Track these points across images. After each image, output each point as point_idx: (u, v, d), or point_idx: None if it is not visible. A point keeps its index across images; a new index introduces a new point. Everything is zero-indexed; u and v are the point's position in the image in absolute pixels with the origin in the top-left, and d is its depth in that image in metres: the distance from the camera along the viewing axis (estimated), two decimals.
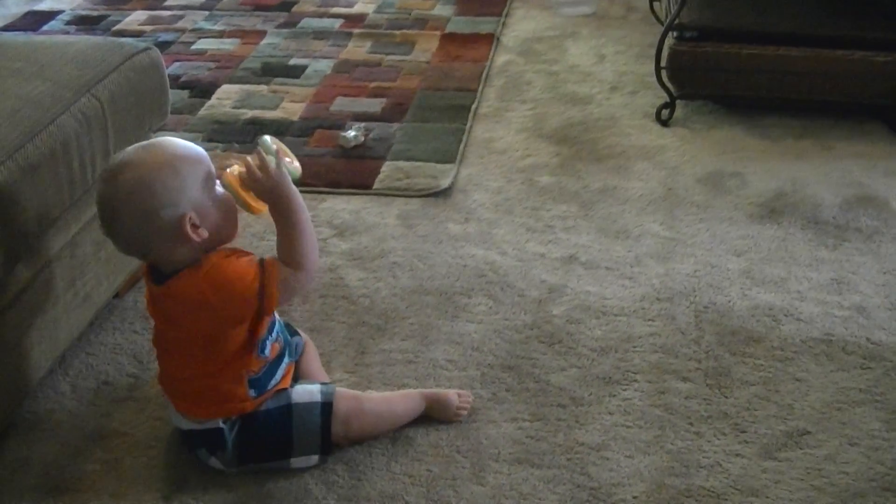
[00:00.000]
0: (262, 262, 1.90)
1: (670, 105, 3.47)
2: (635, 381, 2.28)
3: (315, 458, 2.05)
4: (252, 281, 1.87)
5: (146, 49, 2.43)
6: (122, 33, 4.35)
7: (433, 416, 2.16)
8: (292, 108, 3.62)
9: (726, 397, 2.23)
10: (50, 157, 2.02)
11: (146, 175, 1.83)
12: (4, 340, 2.02)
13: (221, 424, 2.00)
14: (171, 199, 1.83)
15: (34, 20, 4.57)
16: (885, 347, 2.38)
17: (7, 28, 4.47)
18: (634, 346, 2.39)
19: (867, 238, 2.81)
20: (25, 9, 4.73)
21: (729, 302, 2.54)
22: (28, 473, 2.06)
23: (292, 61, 4.06)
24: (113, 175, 1.85)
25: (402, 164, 3.22)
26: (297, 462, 2.04)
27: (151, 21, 4.53)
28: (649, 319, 2.49)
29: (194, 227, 1.86)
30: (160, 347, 2.04)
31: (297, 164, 2.02)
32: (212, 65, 4.03)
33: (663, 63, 3.44)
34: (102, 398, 2.26)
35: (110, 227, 1.87)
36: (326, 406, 2.05)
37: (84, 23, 4.52)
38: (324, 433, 2.04)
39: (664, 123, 3.47)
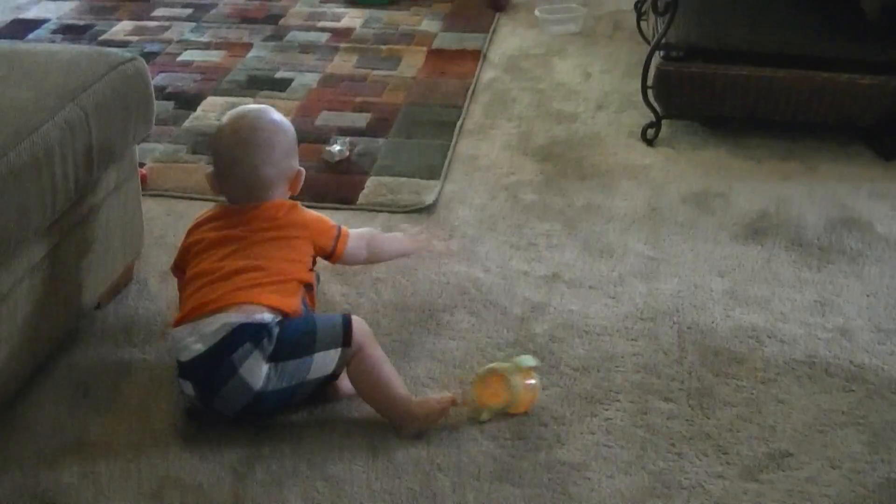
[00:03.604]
0: (339, 226, 2.38)
1: (656, 124, 3.47)
2: (617, 400, 2.27)
3: (338, 352, 2.14)
4: (331, 227, 2.35)
5: (132, 59, 2.42)
6: (108, 43, 4.33)
7: (425, 420, 2.19)
8: None
9: (708, 418, 2.23)
10: (32, 165, 2.00)
11: (289, 130, 2.38)
12: None
13: (268, 320, 2.12)
14: (292, 156, 2.37)
15: (20, 28, 4.56)
16: (868, 370, 2.38)
17: None
18: (617, 366, 2.38)
19: (851, 260, 2.81)
20: (11, 17, 4.71)
21: (712, 322, 2.54)
22: (5, 482, 2.04)
23: (278, 74, 4.05)
24: (258, 125, 2.31)
25: (386, 179, 3.22)
26: (319, 358, 2.13)
27: (138, 31, 4.52)
28: (632, 339, 2.48)
29: (297, 180, 2.37)
30: (231, 252, 2.22)
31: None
32: (197, 76, 4.02)
33: (650, 82, 3.44)
34: (81, 408, 2.25)
35: (264, 162, 2.28)
36: (346, 316, 2.20)
37: (70, 32, 4.51)
38: (345, 326, 2.17)
39: (649, 143, 3.47)
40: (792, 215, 3.03)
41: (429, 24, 4.67)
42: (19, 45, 2.54)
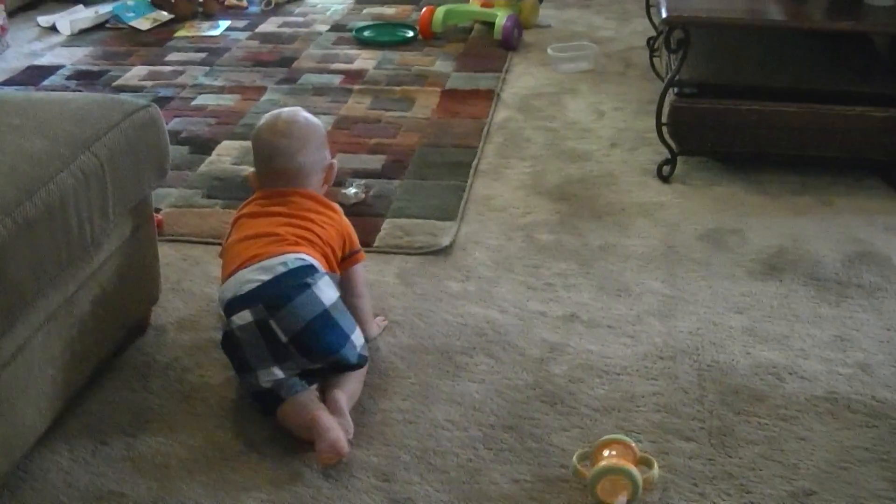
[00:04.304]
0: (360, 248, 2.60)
1: (671, 161, 3.46)
2: (638, 441, 2.25)
3: (362, 341, 2.39)
4: (357, 240, 2.57)
5: (146, 107, 2.42)
6: (122, 88, 4.37)
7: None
8: None
9: (730, 457, 2.21)
10: (48, 214, 2.00)
11: (320, 125, 2.66)
12: (0, 401, 2.00)
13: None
14: (324, 148, 2.62)
15: (35, 75, 4.59)
16: (890, 405, 2.36)
17: (7, 82, 4.50)
18: (637, 406, 2.37)
19: (869, 294, 2.79)
20: (26, 63, 4.75)
21: (731, 360, 2.53)
22: None
23: None
24: (293, 119, 2.59)
25: (401, 221, 3.22)
26: (359, 333, 2.39)
27: (152, 76, 4.55)
28: (651, 378, 2.47)
29: (330, 171, 2.62)
30: (276, 220, 2.44)
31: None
32: (212, 121, 4.04)
33: (664, 119, 3.44)
34: (98, 458, 2.24)
35: (300, 150, 2.53)
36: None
37: (84, 78, 4.54)
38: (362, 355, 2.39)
39: (665, 180, 3.46)
40: (808, 250, 3.02)
41: (441, 65, 4.69)
42: (33, 94, 2.54)
